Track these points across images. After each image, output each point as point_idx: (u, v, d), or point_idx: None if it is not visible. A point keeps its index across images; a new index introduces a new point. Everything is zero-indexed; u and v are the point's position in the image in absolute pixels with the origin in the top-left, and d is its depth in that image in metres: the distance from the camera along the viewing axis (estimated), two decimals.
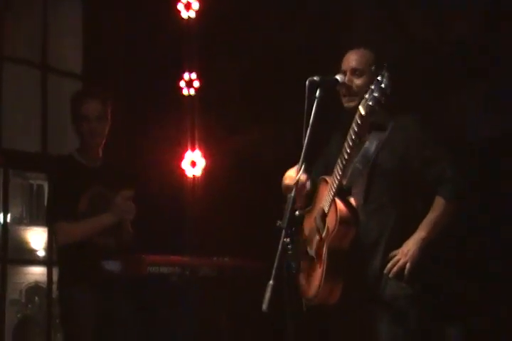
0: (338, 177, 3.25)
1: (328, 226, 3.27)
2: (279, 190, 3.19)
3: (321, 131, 3.07)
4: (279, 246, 2.81)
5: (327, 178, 3.35)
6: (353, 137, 3.13)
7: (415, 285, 3.28)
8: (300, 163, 2.97)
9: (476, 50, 4.70)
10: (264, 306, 2.69)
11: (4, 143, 5.57)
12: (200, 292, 4.57)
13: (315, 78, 3.11)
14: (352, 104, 3.34)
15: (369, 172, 3.31)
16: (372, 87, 3.05)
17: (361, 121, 3.09)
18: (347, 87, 3.36)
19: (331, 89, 3.23)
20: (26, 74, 5.95)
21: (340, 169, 3.22)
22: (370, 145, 3.34)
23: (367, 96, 3.06)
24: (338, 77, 3.25)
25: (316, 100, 3.07)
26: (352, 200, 3.31)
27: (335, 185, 3.26)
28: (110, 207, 4.21)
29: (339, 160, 3.21)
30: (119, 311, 4.17)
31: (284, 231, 2.85)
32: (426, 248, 3.25)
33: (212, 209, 5.91)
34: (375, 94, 3.03)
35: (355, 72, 3.40)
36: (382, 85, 3.03)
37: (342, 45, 4.91)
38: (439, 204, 3.28)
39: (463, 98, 4.73)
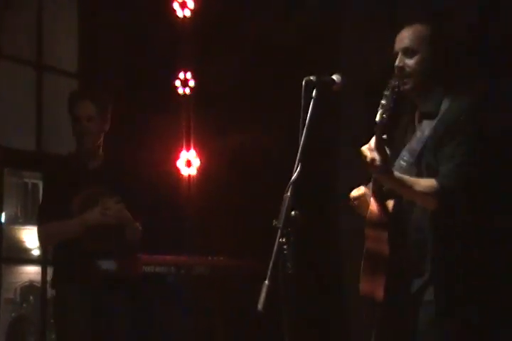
0: (373, 178, 3.21)
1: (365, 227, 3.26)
2: (274, 189, 3.18)
3: (318, 131, 3.06)
4: (275, 246, 2.81)
5: None
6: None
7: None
8: (296, 163, 2.96)
9: (476, 50, 4.71)
10: (260, 306, 2.69)
11: None
12: (195, 291, 4.57)
13: (311, 78, 3.09)
14: (406, 86, 3.22)
15: (417, 171, 3.21)
16: (385, 92, 3.02)
17: (377, 128, 3.02)
18: (399, 68, 3.23)
19: (328, 88, 3.21)
20: (22, 72, 5.94)
21: None
22: (418, 139, 3.25)
23: (381, 102, 3.02)
24: (335, 76, 3.22)
25: (312, 100, 3.06)
26: (390, 203, 3.27)
27: (371, 185, 3.24)
28: (95, 207, 4.20)
29: None
30: (113, 311, 4.18)
31: (279, 231, 2.84)
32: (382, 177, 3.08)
33: (207, 209, 5.91)
34: (383, 102, 3.00)
35: (406, 51, 3.25)
36: (388, 92, 3.02)
37: (339, 44, 4.93)
38: (431, 183, 3.11)
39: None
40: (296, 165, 2.94)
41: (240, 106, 5.95)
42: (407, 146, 3.29)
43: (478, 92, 4.05)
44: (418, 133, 3.26)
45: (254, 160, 5.75)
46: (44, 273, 6.11)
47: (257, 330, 4.78)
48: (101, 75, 5.94)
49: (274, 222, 2.86)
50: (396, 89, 3.06)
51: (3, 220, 6.31)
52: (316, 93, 3.05)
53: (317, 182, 3.57)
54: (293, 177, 2.92)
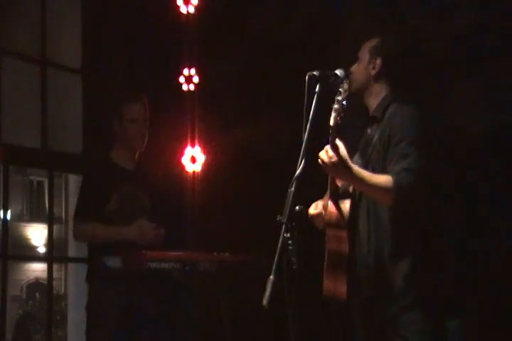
0: (330, 181, 3.32)
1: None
2: (279, 185, 3.19)
3: (321, 126, 3.07)
4: (280, 241, 2.82)
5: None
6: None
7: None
8: (300, 158, 2.97)
9: (475, 43, 4.70)
10: (265, 301, 2.70)
11: (4, 139, 5.56)
12: (201, 287, 4.57)
13: (314, 73, 3.11)
14: (351, 89, 3.32)
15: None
16: (335, 97, 3.13)
17: (332, 131, 3.10)
18: (349, 72, 3.38)
19: (331, 83, 3.23)
20: (25, 68, 5.94)
21: None
22: (367, 142, 3.37)
23: (333, 106, 3.13)
24: (338, 71, 3.24)
25: (315, 95, 3.07)
26: (346, 203, 3.33)
27: (328, 187, 3.33)
28: (133, 226, 4.32)
29: None
30: (143, 305, 4.24)
31: (284, 226, 2.85)
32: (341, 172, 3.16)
33: (212, 205, 5.91)
34: (335, 106, 3.09)
35: (357, 59, 3.50)
36: (340, 97, 3.11)
37: (341, 39, 4.92)
38: (388, 178, 3.20)
39: (462, 90, 4.73)
40: (299, 160, 2.95)
41: (244, 101, 5.95)
42: (359, 148, 3.39)
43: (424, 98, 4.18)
44: (368, 137, 3.43)
45: (259, 156, 5.75)
46: (50, 270, 6.12)
47: (262, 325, 4.79)
48: (105, 72, 5.95)
49: (279, 217, 2.88)
50: (346, 94, 3.14)
51: (8, 218, 6.31)
52: (319, 88, 3.07)
53: (321, 177, 3.56)
54: (297, 173, 2.94)
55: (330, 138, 3.10)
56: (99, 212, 4.31)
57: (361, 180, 3.17)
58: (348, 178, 3.21)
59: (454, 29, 4.80)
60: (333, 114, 3.09)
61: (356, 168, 3.17)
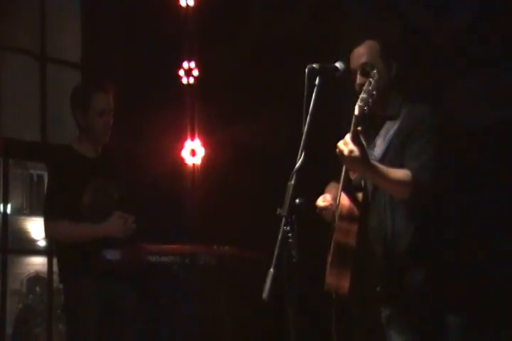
0: (344, 173, 3.31)
1: (336, 221, 3.31)
2: (279, 178, 3.19)
3: (321, 119, 3.06)
4: (279, 235, 2.81)
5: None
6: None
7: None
8: (300, 151, 2.96)
9: (475, 39, 4.70)
10: (265, 294, 2.69)
11: (4, 133, 5.57)
12: (200, 280, 4.57)
13: (314, 66, 3.09)
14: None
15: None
16: (364, 87, 3.12)
17: (355, 121, 3.09)
18: (361, 86, 3.30)
19: (331, 76, 3.21)
20: (25, 64, 5.94)
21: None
22: (382, 138, 3.36)
23: (360, 95, 3.11)
24: (338, 64, 3.23)
25: (315, 88, 3.06)
26: (359, 195, 3.32)
27: (341, 180, 3.32)
28: (108, 221, 4.15)
29: None
30: (123, 301, 4.18)
31: (284, 220, 2.84)
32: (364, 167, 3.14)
33: (211, 198, 5.91)
34: (363, 95, 3.09)
35: (365, 67, 3.38)
36: (370, 87, 3.09)
37: (341, 33, 4.92)
38: (405, 172, 3.22)
39: (462, 87, 4.73)
40: (299, 153, 2.95)
41: (244, 95, 5.95)
42: (374, 143, 3.40)
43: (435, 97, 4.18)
44: (382, 132, 3.40)
45: (259, 149, 5.75)
46: (50, 263, 6.13)
47: (262, 318, 4.79)
48: (104, 66, 5.94)
49: (279, 211, 2.87)
50: (376, 85, 3.12)
51: (8, 211, 6.32)
52: (319, 80, 3.06)
53: (321, 169, 3.57)
54: (297, 166, 2.93)
55: (352, 129, 3.10)
56: (73, 208, 4.12)
57: (379, 175, 3.18)
58: (366, 172, 3.21)
59: (454, 26, 4.80)
60: (359, 103, 3.09)
61: (375, 163, 3.19)
